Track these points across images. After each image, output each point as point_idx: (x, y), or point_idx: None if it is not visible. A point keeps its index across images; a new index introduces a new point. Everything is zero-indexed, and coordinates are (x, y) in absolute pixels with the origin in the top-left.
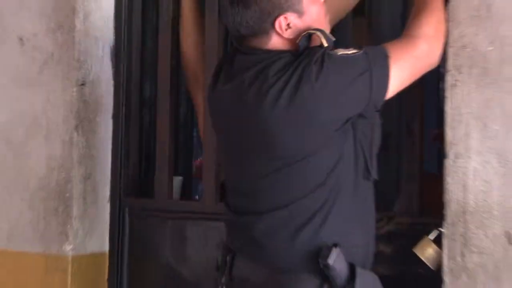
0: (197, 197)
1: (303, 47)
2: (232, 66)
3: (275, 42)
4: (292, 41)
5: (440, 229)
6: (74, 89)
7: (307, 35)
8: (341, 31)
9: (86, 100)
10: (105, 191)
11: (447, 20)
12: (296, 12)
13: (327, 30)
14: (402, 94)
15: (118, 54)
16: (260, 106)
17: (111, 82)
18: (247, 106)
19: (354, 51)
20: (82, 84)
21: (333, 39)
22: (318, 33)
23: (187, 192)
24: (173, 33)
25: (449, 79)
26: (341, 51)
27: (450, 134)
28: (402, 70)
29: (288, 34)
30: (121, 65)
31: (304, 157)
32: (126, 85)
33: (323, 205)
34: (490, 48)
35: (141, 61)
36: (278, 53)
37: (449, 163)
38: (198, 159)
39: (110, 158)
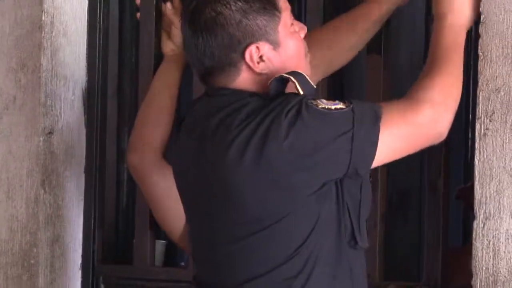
0: (182, 263)
1: (275, 91)
2: (194, 111)
3: (245, 78)
4: (265, 80)
5: None
6: (41, 138)
7: (280, 78)
8: (354, 70)
9: (54, 151)
10: (76, 256)
11: (479, 58)
12: (270, 43)
13: (307, 73)
14: None
15: (91, 97)
16: (223, 163)
17: (83, 131)
18: (210, 162)
19: (340, 106)
20: (50, 133)
21: (314, 87)
22: (293, 78)
23: (171, 258)
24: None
25: (479, 127)
26: (323, 104)
27: (479, 191)
28: (396, 138)
29: (260, 68)
30: (94, 111)
31: (273, 222)
32: (100, 134)
33: (294, 279)
34: None
35: (118, 106)
36: (246, 96)
37: (478, 225)
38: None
39: (82, 218)
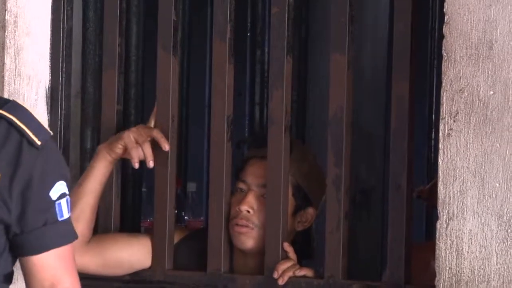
0: None
1: None
2: None
3: None
4: None
5: None
6: None
7: None
8: (318, 70)
9: None
10: None
11: (443, 59)
12: None
13: None
14: (387, 144)
15: (54, 97)
16: None
17: None
18: None
19: None
20: None
21: None
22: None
23: None
24: (119, 73)
25: (442, 127)
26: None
27: (443, 191)
28: None
29: None
30: (58, 110)
31: None
32: (64, 134)
33: None
34: (491, 93)
35: (82, 105)
36: None
37: (441, 225)
38: (148, 220)
39: None
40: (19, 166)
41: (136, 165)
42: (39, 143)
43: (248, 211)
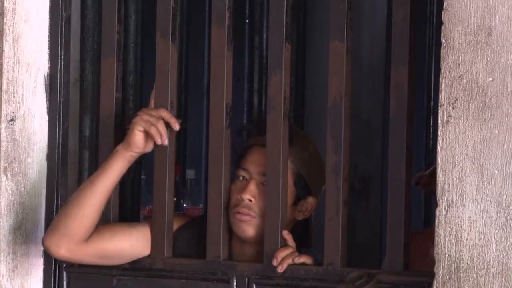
0: None
1: None
2: None
3: None
4: None
5: None
6: (2, 125)
7: None
8: (318, 55)
9: (16, 138)
10: (38, 244)
11: (442, 46)
12: None
13: None
14: (385, 131)
15: (53, 84)
16: None
17: (46, 118)
18: None
19: None
20: (12, 120)
21: None
22: None
23: None
24: (118, 60)
25: (441, 114)
26: None
27: (442, 178)
28: None
29: None
30: (57, 98)
31: None
32: (62, 121)
33: None
34: (490, 79)
35: (81, 93)
36: None
37: (440, 212)
38: (147, 207)
39: (44, 205)
40: None
41: (159, 141)
42: None
43: (250, 200)
